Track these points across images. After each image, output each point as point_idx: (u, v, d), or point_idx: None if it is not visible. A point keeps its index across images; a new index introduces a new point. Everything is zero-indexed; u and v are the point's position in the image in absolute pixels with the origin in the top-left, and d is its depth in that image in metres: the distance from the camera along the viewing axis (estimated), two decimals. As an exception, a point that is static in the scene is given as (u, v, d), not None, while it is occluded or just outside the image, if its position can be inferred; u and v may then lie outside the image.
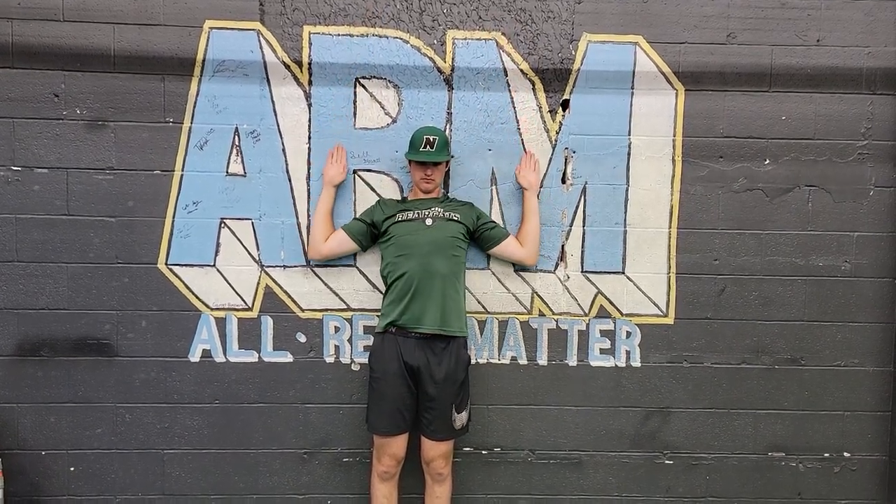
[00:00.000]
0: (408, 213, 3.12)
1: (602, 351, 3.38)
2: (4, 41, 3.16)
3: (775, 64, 3.31)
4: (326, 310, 3.32)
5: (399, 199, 3.22)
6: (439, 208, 3.12)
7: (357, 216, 3.22)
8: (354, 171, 3.27)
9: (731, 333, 3.39)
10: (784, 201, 3.35)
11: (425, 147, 3.04)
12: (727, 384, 3.40)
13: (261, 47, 3.21)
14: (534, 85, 3.26)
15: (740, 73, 3.30)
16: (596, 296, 3.35)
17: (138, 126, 3.21)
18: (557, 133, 3.29)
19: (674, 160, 3.31)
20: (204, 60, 3.20)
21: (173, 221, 3.25)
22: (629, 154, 3.30)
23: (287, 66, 3.23)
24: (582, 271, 3.34)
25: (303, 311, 3.31)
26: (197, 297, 3.29)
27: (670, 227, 3.33)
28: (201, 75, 3.21)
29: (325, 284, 3.30)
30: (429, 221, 3.09)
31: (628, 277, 3.34)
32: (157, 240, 3.25)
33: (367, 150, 3.25)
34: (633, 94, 3.28)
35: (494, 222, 3.22)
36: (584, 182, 3.31)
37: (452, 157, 3.21)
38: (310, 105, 3.25)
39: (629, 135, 3.29)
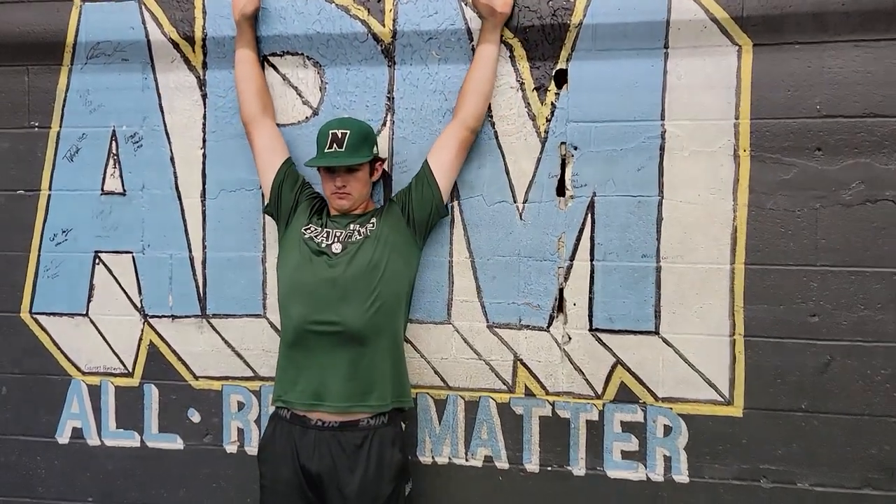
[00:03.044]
0: (313, 230, 2.13)
1: (626, 455, 2.18)
2: None
3: (910, -6, 2.03)
4: (226, 378, 2.38)
5: (320, 202, 2.24)
6: (355, 225, 2.11)
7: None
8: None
9: (843, 437, 2.08)
10: (934, 218, 2.03)
11: (331, 147, 2.06)
12: (840, 519, 2.09)
13: (143, 22, 2.39)
14: (512, 51, 2.19)
15: (851, 12, 2.04)
16: (614, 368, 2.17)
17: (4, 134, 2.48)
18: (548, 121, 2.19)
19: (736, 156, 2.09)
20: (75, 44, 2.43)
21: (38, 256, 2.48)
22: (662, 148, 2.12)
23: (176, 45, 2.38)
24: (591, 329, 2.18)
25: (196, 378, 2.40)
26: (66, 358, 2.47)
27: (733, 263, 2.10)
28: (72, 64, 2.44)
29: (225, 341, 2.38)
30: (337, 248, 2.09)
31: (665, 341, 2.14)
32: (20, 280, 2.49)
33: (280, 156, 2.32)
34: (667, 55, 2.12)
35: (413, 179, 2.17)
36: (592, 193, 2.17)
37: (382, 159, 2.20)
38: (204, 96, 2.37)
39: (662, 119, 2.12)
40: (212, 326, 2.38)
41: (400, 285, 2.10)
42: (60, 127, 2.44)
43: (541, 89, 2.18)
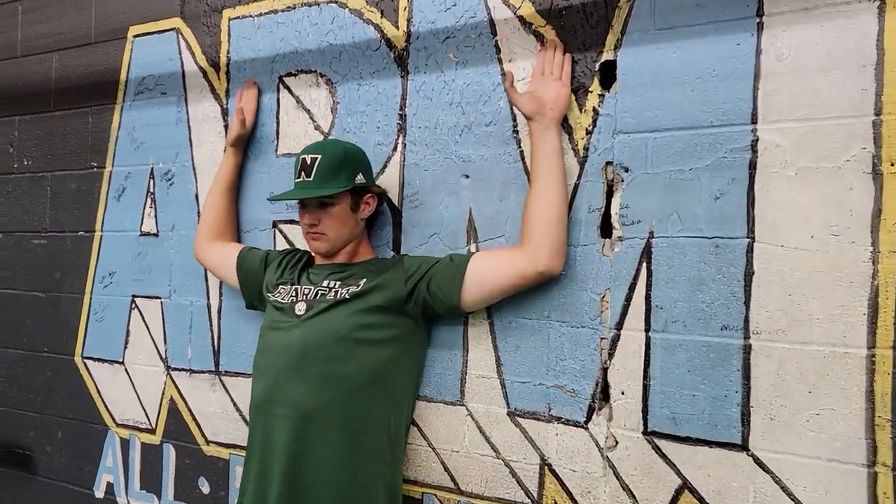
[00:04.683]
0: (280, 288, 1.75)
1: None
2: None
3: None
4: (234, 446, 2.07)
5: (301, 255, 1.86)
6: (334, 280, 1.68)
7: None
8: (275, 224, 2.03)
9: None
10: None
11: (299, 176, 1.67)
12: None
13: (179, 52, 2.24)
14: (542, 42, 1.63)
15: None
16: (679, 494, 1.46)
17: (68, 175, 2.49)
18: (589, 133, 1.57)
19: (877, 173, 1.29)
20: (126, 82, 2.36)
21: (90, 299, 2.41)
22: (754, 165, 1.40)
23: (204, 74, 2.19)
24: (645, 432, 1.49)
25: (207, 443, 2.13)
26: (105, 407, 2.36)
27: (873, 346, 1.29)
28: (123, 101, 2.36)
29: (234, 403, 2.08)
30: (300, 308, 1.68)
31: (758, 461, 1.38)
32: (76, 323, 2.45)
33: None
34: (761, 25, 1.40)
35: (447, 258, 1.64)
36: (648, 233, 1.50)
37: (372, 189, 1.73)
38: (226, 126, 2.14)
39: (753, 122, 1.40)
40: (223, 385, 2.10)
41: (385, 370, 1.62)
42: (112, 166, 2.37)
43: (580, 91, 1.59)
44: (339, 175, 1.64)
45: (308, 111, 1.97)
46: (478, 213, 1.69)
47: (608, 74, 1.56)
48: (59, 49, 2.51)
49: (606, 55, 1.55)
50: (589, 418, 1.55)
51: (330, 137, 1.92)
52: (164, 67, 2.26)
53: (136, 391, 2.28)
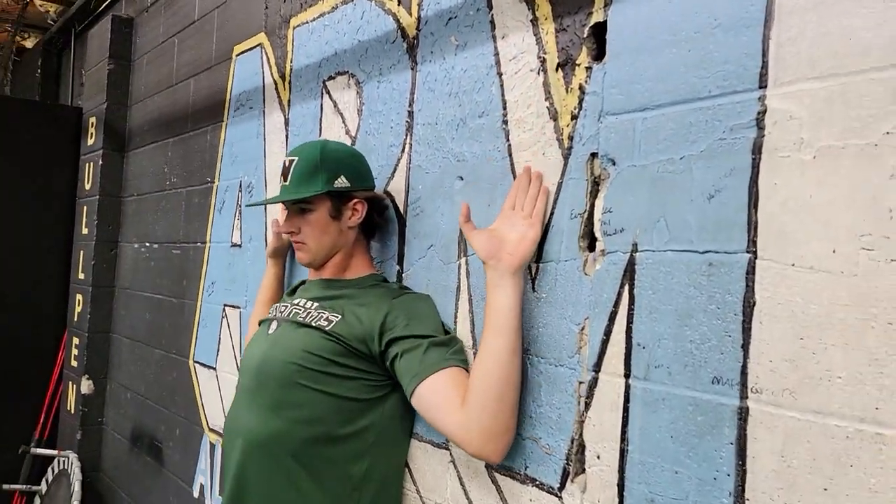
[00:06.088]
0: (275, 308, 1.64)
1: None
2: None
3: None
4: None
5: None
6: (314, 300, 1.52)
7: None
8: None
9: None
10: None
11: (282, 180, 1.54)
12: None
13: (262, 65, 2.27)
14: (534, 8, 1.32)
15: None
16: None
17: (194, 191, 2.67)
18: (575, 118, 1.23)
19: (933, 150, 0.81)
20: (229, 99, 2.46)
21: (200, 307, 2.54)
22: (758, 148, 0.96)
23: (275, 85, 2.18)
24: (620, 513, 1.10)
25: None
26: (203, 410, 2.46)
27: (920, 427, 0.80)
28: (227, 118, 2.46)
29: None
30: (273, 326, 1.55)
31: (753, 580, 0.94)
32: (192, 328, 2.60)
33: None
34: (776, -52, 0.97)
35: (421, 338, 1.36)
36: (632, 245, 1.12)
37: (355, 193, 1.52)
38: (287, 137, 2.10)
39: (762, 85, 0.96)
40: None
41: (350, 406, 1.41)
42: (218, 181, 2.49)
43: (567, 65, 1.25)
44: (315, 178, 1.48)
45: (341, 115, 1.85)
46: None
47: (598, 44, 1.21)
48: (196, 74, 2.71)
49: (596, 15, 1.20)
50: (563, 485, 1.20)
51: (358, 142, 1.78)
52: (252, 83, 2.31)
53: (221, 398, 2.34)
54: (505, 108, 1.37)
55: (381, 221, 1.60)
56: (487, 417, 1.21)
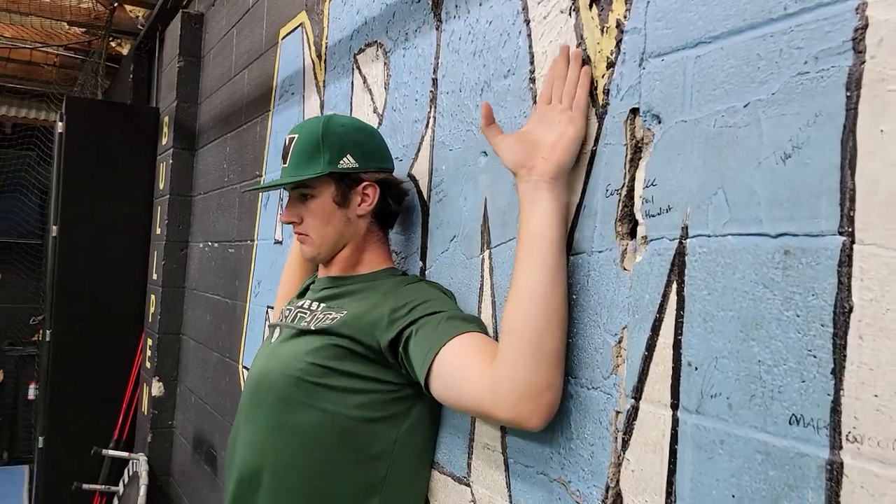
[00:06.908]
0: (282, 311, 1.43)
1: None
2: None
3: None
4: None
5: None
6: (320, 300, 1.31)
7: None
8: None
9: None
10: None
11: (282, 162, 1.33)
12: None
13: (302, 47, 2.09)
14: (563, -62, 1.04)
15: None
16: None
17: (245, 186, 2.53)
18: (612, 66, 0.94)
19: None
20: (275, 86, 2.30)
21: (249, 308, 2.40)
22: (856, 84, 0.65)
23: (313, 66, 1.99)
24: (665, 593, 0.81)
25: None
26: (249, 417, 2.31)
27: None
28: (273, 107, 2.30)
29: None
30: (276, 333, 1.34)
31: None
32: (241, 331, 2.46)
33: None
34: None
35: (442, 316, 1.11)
36: (681, 227, 0.82)
37: (363, 175, 1.27)
38: (322, 120, 1.90)
39: (859, 11, 0.66)
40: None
41: (356, 427, 1.18)
42: (265, 174, 2.33)
43: (601, 1, 0.97)
44: (317, 158, 1.25)
45: (370, 91, 1.63)
46: (491, 207, 1.17)
47: (639, -37, 0.92)
48: (249, 64, 2.58)
49: (637, -70, 0.92)
50: (596, 541, 0.92)
51: (385, 120, 1.55)
52: (294, 66, 2.13)
53: (264, 406, 2.18)
54: (532, 63, 1.09)
55: (398, 209, 1.35)
56: (521, 369, 0.93)
